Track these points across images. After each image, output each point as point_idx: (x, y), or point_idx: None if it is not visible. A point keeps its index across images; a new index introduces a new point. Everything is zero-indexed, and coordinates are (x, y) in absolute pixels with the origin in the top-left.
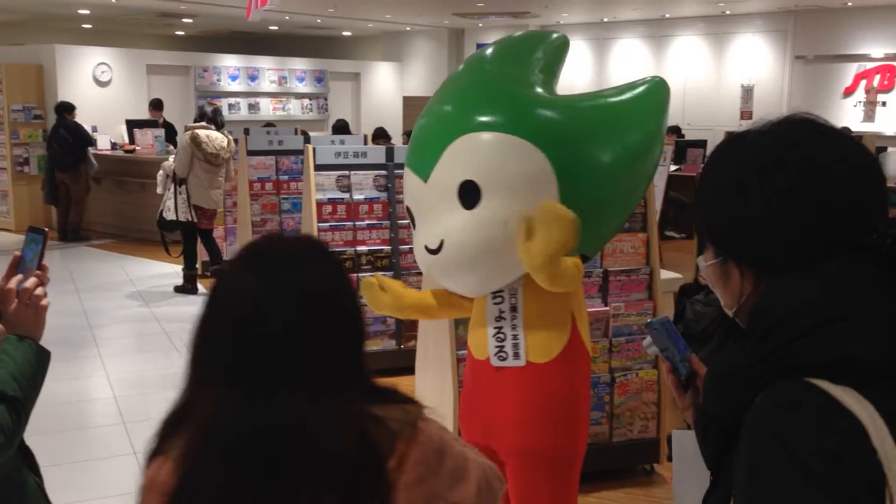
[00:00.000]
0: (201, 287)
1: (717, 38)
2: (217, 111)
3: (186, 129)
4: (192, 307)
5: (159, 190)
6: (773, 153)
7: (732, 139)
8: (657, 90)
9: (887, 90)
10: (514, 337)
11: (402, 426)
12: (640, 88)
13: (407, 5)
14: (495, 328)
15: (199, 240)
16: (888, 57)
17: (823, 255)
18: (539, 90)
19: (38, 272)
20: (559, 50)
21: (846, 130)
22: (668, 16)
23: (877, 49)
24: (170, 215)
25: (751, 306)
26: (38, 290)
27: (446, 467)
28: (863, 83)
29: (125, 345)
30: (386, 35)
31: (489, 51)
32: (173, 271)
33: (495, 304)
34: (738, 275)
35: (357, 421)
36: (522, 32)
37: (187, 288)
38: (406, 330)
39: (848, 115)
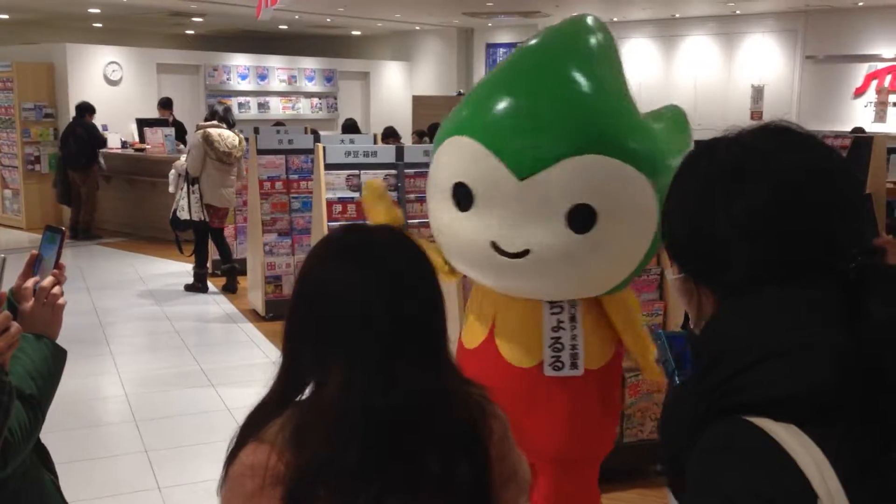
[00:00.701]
0: (211, 286)
1: (728, 38)
2: (228, 110)
3: (198, 127)
4: (203, 306)
5: (171, 189)
6: (741, 166)
7: (702, 148)
8: (686, 120)
9: (890, 91)
10: (573, 347)
11: (483, 401)
12: (684, 123)
13: (416, 5)
14: (553, 338)
15: (209, 239)
16: None
17: (788, 278)
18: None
19: (55, 271)
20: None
21: (859, 131)
22: (677, 15)
23: (888, 49)
24: (184, 214)
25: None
26: (56, 290)
27: (513, 444)
28: (874, 83)
29: (136, 343)
30: (395, 34)
31: (588, 42)
32: (184, 270)
33: (553, 314)
34: (697, 294)
35: (465, 394)
36: (591, 21)
37: (197, 287)
38: None
39: (858, 116)
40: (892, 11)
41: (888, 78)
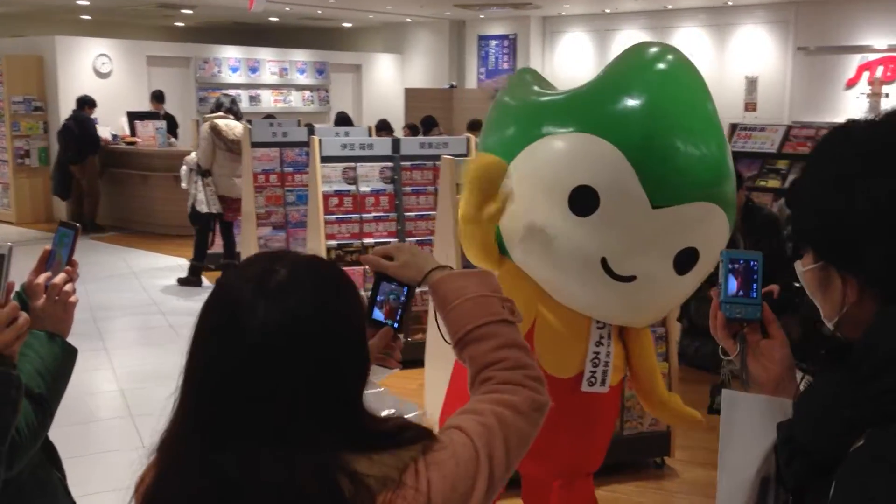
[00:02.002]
0: (206, 281)
1: (720, 30)
2: (234, 101)
3: (204, 119)
4: (197, 300)
5: (184, 185)
6: (884, 148)
7: (836, 131)
8: None
9: (890, 81)
10: (606, 364)
11: (384, 480)
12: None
13: None
14: (594, 353)
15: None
16: (891, 48)
17: None
18: None
19: (67, 268)
20: None
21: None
22: (669, 7)
23: (880, 40)
24: (203, 208)
25: (855, 318)
26: (68, 287)
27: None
28: (865, 74)
29: (130, 338)
30: (387, 26)
31: (706, 86)
32: (177, 264)
33: (598, 328)
34: (839, 282)
35: (326, 478)
36: (673, 56)
37: (192, 280)
38: (413, 322)
39: (850, 107)
40: (883, 2)
41: (880, 69)
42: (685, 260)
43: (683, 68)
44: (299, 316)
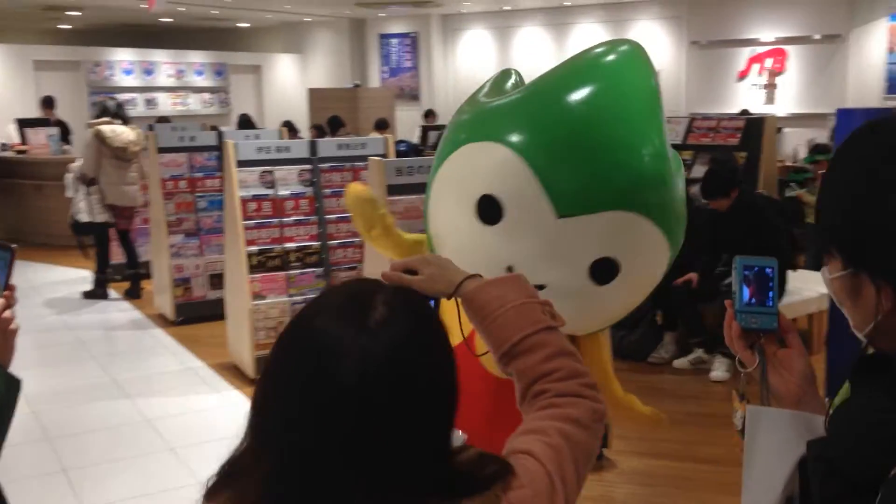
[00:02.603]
0: (112, 292)
1: (617, 25)
2: (120, 105)
3: (89, 126)
4: (106, 313)
5: (69, 193)
6: None
7: (866, 127)
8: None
9: (779, 73)
10: None
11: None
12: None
13: None
14: None
15: (109, 242)
16: (778, 41)
17: None
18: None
19: (6, 293)
20: None
21: (745, 113)
22: (567, 3)
23: (767, 33)
24: (84, 217)
25: (891, 328)
26: (7, 313)
27: None
28: (755, 67)
29: (37, 357)
30: (286, 26)
31: (654, 85)
32: (80, 276)
33: None
34: (872, 290)
35: None
36: (644, 53)
37: (98, 293)
38: None
39: (742, 98)
40: None
41: (769, 61)
42: (603, 270)
43: (613, 71)
44: (404, 353)
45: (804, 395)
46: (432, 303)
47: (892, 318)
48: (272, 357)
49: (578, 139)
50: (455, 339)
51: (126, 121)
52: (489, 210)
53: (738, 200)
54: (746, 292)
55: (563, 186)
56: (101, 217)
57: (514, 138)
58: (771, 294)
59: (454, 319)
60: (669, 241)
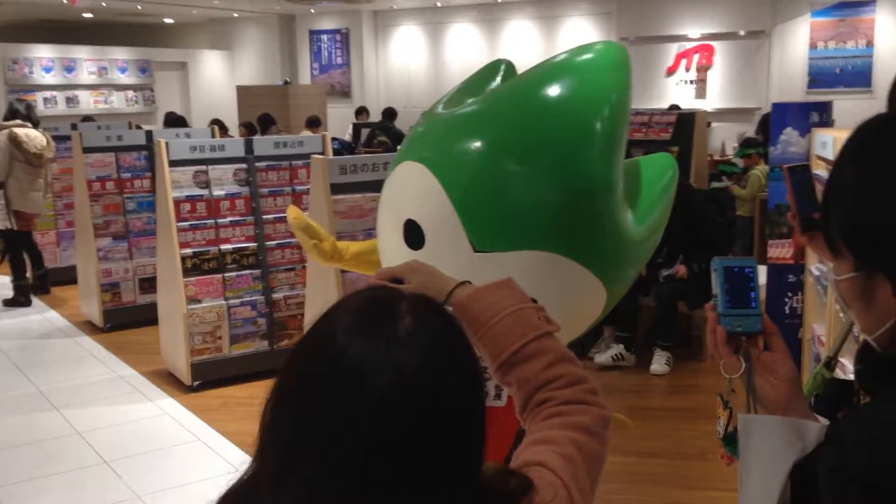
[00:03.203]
0: (35, 299)
1: (547, 22)
2: (30, 107)
3: (1, 127)
4: (29, 321)
5: None
6: None
7: (873, 122)
8: (674, 173)
9: (707, 68)
10: None
11: None
12: (667, 177)
13: None
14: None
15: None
16: (704, 37)
17: None
18: (624, 209)
19: None
20: None
21: (675, 108)
22: (499, 0)
23: (694, 29)
24: (5, 224)
25: None
26: None
27: None
28: (683, 62)
29: None
30: (212, 22)
31: (613, 106)
32: (0, 283)
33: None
34: (888, 291)
35: None
36: (622, 57)
37: (20, 301)
38: (278, 329)
39: (671, 93)
40: None
41: (696, 57)
42: None
43: (574, 77)
44: (437, 363)
45: (792, 399)
46: None
47: None
48: (289, 374)
49: (500, 174)
50: None
51: (36, 123)
52: (413, 235)
53: (677, 197)
54: (728, 295)
55: (480, 221)
56: (4, 224)
57: (439, 164)
58: (753, 295)
59: None
60: (602, 280)
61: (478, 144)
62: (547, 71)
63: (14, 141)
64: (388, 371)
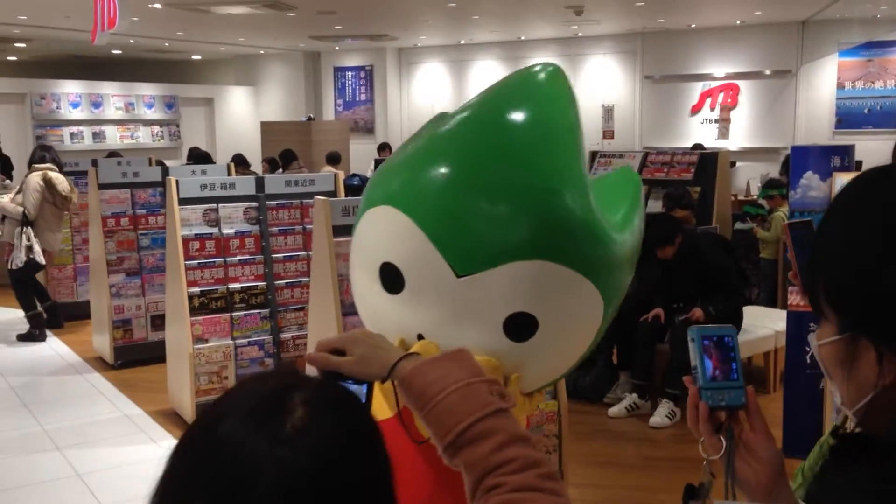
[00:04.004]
0: (50, 334)
1: (571, 59)
2: (55, 154)
3: (33, 169)
4: (40, 356)
5: None
6: None
7: (874, 174)
8: (637, 183)
9: (732, 107)
10: None
11: None
12: (632, 186)
13: (261, 28)
14: None
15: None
16: (729, 76)
17: None
18: (594, 207)
19: None
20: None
21: (699, 147)
22: (523, 38)
23: (719, 69)
24: (41, 258)
25: (890, 403)
26: None
27: None
28: (708, 101)
29: None
30: (239, 59)
31: (560, 113)
32: (15, 317)
33: None
34: (871, 357)
35: None
36: (556, 75)
37: (34, 335)
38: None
39: (695, 132)
40: (721, 32)
41: (721, 95)
42: (519, 326)
43: (518, 96)
44: (331, 464)
45: (775, 485)
46: (364, 388)
47: (890, 392)
48: (169, 468)
49: (464, 197)
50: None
51: (62, 168)
52: (390, 278)
53: (682, 246)
54: (709, 365)
55: (457, 244)
56: (22, 260)
57: (404, 200)
58: (734, 365)
59: (392, 403)
60: (593, 282)
61: (443, 171)
62: (499, 91)
63: (49, 183)
64: (271, 472)
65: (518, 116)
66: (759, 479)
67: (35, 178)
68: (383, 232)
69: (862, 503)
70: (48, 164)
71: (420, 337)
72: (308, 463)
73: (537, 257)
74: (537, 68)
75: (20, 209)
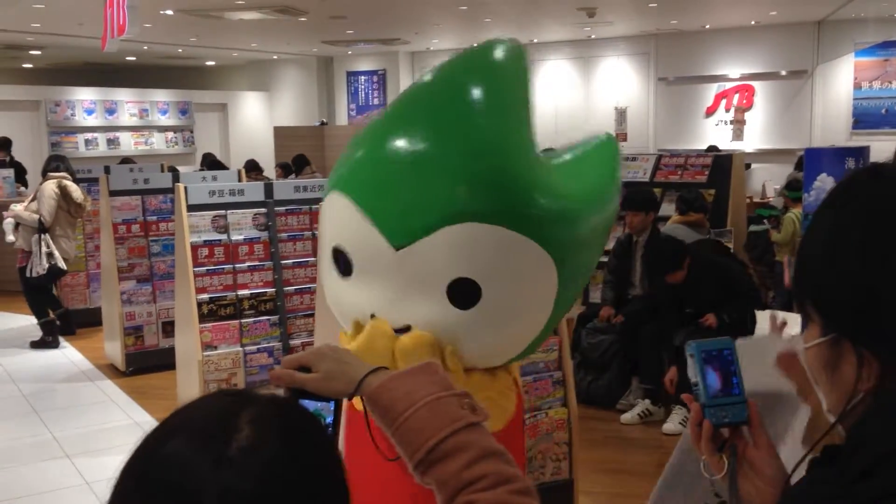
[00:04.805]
0: (62, 341)
1: (585, 62)
2: (69, 163)
3: (48, 177)
4: (53, 363)
5: (10, 238)
6: None
7: (863, 173)
8: (614, 147)
9: (747, 108)
10: None
11: None
12: (604, 153)
13: (274, 34)
14: None
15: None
16: (744, 77)
17: None
18: (537, 165)
19: None
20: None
21: (713, 149)
22: (535, 41)
23: (734, 70)
24: (63, 264)
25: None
26: None
27: None
28: (723, 102)
29: None
30: (252, 64)
31: (492, 75)
32: (28, 323)
33: None
34: (853, 361)
35: None
36: (503, 47)
37: (47, 341)
38: None
39: (710, 134)
40: (736, 33)
41: (736, 97)
42: (463, 292)
43: (447, 66)
44: (277, 487)
45: None
46: (332, 405)
47: (871, 398)
48: (118, 485)
49: (393, 163)
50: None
51: (75, 178)
52: (341, 262)
53: (692, 266)
54: (711, 381)
55: (389, 215)
56: (42, 268)
57: (345, 182)
58: (735, 380)
59: (361, 420)
60: (545, 247)
61: (373, 145)
62: (451, 63)
63: (64, 191)
64: (213, 496)
65: (458, 86)
66: (763, 499)
67: (50, 186)
68: (332, 218)
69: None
70: (62, 173)
71: (372, 316)
72: (252, 486)
73: (469, 220)
74: (496, 44)
75: (35, 217)
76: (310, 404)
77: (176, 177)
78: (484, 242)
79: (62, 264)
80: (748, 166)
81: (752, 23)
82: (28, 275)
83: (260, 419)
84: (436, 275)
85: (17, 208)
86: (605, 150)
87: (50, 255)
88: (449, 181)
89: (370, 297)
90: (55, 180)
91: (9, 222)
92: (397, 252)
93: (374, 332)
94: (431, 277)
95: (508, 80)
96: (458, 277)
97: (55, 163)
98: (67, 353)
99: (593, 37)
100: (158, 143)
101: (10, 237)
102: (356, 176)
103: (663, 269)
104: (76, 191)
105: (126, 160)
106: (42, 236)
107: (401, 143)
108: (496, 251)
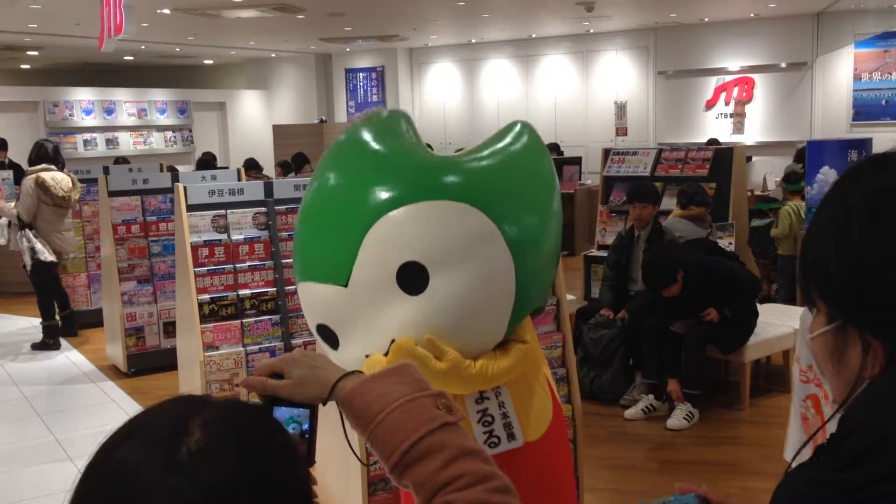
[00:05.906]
0: (64, 342)
1: (584, 56)
2: (57, 149)
3: (27, 172)
4: (54, 365)
5: (1, 241)
6: None
7: (868, 161)
8: (531, 131)
9: (747, 101)
10: (504, 416)
11: None
12: (520, 134)
13: (271, 32)
14: (479, 411)
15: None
16: (744, 69)
17: None
18: (439, 155)
19: None
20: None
21: (714, 142)
22: (534, 35)
23: (733, 62)
24: (47, 256)
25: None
26: None
27: None
28: (723, 95)
29: None
30: (250, 62)
31: (352, 137)
32: (30, 325)
33: None
34: (859, 348)
35: None
36: (364, 118)
37: (48, 343)
38: None
39: (710, 127)
40: (735, 26)
41: (735, 90)
42: (410, 278)
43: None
44: (229, 495)
45: None
46: (308, 411)
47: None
48: (76, 490)
49: (308, 220)
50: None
51: (63, 165)
52: (329, 338)
53: (688, 275)
54: None
55: (322, 268)
56: (53, 256)
57: (300, 272)
58: None
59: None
60: (481, 209)
61: (298, 220)
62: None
63: (42, 186)
64: (162, 501)
65: (351, 140)
66: None
67: (27, 183)
68: (307, 304)
69: (810, 487)
70: (42, 166)
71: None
72: (201, 492)
73: (388, 210)
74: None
75: (14, 212)
76: (285, 411)
77: (175, 176)
78: (411, 222)
79: (45, 257)
80: (749, 159)
81: (752, 15)
82: (27, 271)
83: (213, 423)
84: (384, 277)
85: (1, 204)
86: (510, 130)
87: (31, 249)
88: (355, 199)
89: (359, 348)
90: (33, 176)
91: (2, 223)
92: (347, 287)
93: (370, 369)
94: (382, 283)
95: (391, 130)
96: (402, 264)
97: (36, 151)
98: (69, 355)
99: (592, 31)
100: (157, 142)
101: (2, 241)
102: (302, 259)
103: (657, 286)
104: (58, 183)
105: (121, 160)
106: (22, 232)
107: (309, 202)
108: (427, 225)
